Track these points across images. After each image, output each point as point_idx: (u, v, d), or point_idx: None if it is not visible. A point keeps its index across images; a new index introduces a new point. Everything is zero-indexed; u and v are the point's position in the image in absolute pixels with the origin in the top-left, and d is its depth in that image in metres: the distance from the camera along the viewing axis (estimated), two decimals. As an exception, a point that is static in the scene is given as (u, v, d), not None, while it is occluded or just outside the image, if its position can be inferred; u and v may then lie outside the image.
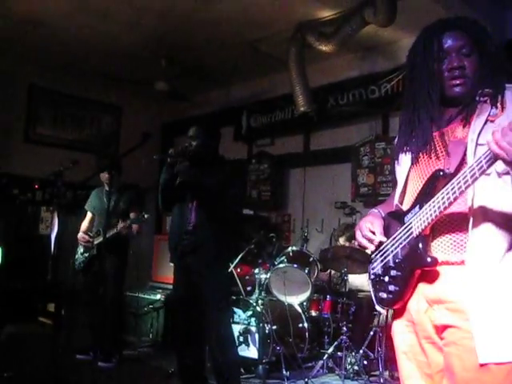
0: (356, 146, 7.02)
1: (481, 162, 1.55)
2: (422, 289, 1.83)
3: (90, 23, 6.48)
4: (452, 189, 1.65)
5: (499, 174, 1.72)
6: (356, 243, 5.54)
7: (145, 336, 6.61)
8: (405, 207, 1.95)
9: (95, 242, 5.53)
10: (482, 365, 1.63)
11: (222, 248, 4.07)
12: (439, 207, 1.70)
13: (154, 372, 5.21)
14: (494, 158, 1.52)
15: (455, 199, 1.65)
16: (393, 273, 1.88)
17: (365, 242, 2.03)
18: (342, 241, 5.88)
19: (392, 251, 1.91)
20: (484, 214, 1.71)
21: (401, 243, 1.87)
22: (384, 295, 1.92)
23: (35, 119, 8.34)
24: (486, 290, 1.67)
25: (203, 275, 3.98)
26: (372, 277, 2.02)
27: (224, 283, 4.28)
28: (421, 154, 1.93)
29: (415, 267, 1.79)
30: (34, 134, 8.31)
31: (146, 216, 5.34)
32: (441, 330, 1.78)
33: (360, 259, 5.27)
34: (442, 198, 1.69)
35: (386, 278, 1.91)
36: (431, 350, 1.84)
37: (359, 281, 5.78)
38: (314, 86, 6.85)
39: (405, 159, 2.03)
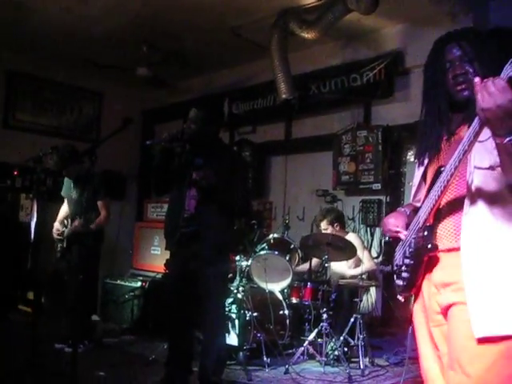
0: (337, 134, 7.03)
1: (470, 133, 1.73)
2: (431, 275, 2.01)
3: (70, 7, 6.38)
4: (446, 175, 1.86)
5: (493, 167, 1.84)
6: (337, 227, 5.59)
7: (125, 323, 6.59)
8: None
9: (65, 235, 5.53)
10: (477, 339, 1.78)
11: (225, 235, 4.03)
12: (436, 193, 1.92)
13: (135, 359, 5.19)
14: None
15: (448, 183, 1.87)
16: (406, 261, 2.07)
17: (390, 234, 2.23)
18: (323, 225, 5.87)
19: (408, 242, 2.10)
20: (478, 200, 1.87)
21: (413, 234, 2.07)
22: (400, 282, 2.12)
23: (14, 105, 8.24)
24: (481, 266, 1.83)
25: (204, 263, 3.90)
26: (395, 268, 2.20)
27: (225, 269, 4.24)
28: (434, 157, 2.11)
29: (422, 254, 1.98)
30: (14, 119, 8.22)
31: (92, 226, 5.38)
32: (445, 310, 1.94)
33: (341, 246, 5.29)
34: (438, 186, 1.91)
35: (403, 267, 2.10)
36: (438, 335, 2.02)
37: (340, 268, 5.81)
38: (296, 74, 6.84)
39: (423, 163, 2.21)
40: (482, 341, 1.77)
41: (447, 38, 2.09)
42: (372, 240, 6.75)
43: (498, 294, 1.79)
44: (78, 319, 5.31)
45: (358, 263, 5.61)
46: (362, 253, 5.56)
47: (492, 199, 1.86)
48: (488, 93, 1.59)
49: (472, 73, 1.96)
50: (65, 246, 5.50)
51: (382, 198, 6.71)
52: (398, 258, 2.16)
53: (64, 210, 5.79)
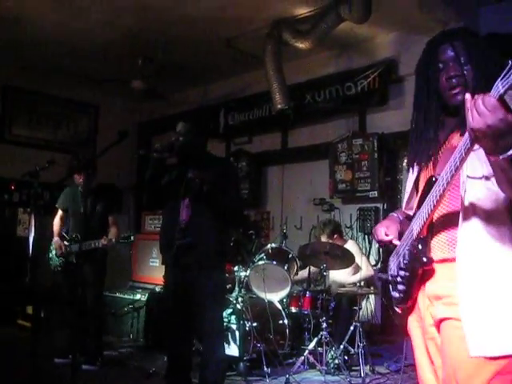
0: (333, 143, 7.05)
1: (465, 144, 1.62)
2: (425, 287, 1.96)
3: (65, 21, 6.42)
4: (438, 188, 1.77)
5: (487, 177, 1.79)
6: (336, 239, 5.52)
7: (125, 336, 6.58)
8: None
9: (73, 250, 5.39)
10: (470, 357, 1.73)
11: (220, 245, 4.01)
12: (429, 207, 1.83)
13: (135, 372, 5.17)
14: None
15: (441, 197, 1.78)
16: (401, 273, 2.01)
17: (381, 244, 2.19)
18: (323, 239, 5.88)
19: (402, 254, 2.03)
20: (473, 212, 1.81)
21: (407, 245, 2.00)
22: (396, 294, 2.06)
23: (10, 120, 8.26)
24: (476, 284, 1.77)
25: (201, 273, 3.88)
26: (389, 278, 2.14)
27: (223, 279, 4.23)
28: (426, 164, 2.04)
29: (417, 267, 1.93)
30: (10, 134, 8.23)
31: (132, 238, 5.39)
32: (438, 323, 1.90)
33: (339, 254, 5.30)
34: (431, 199, 1.82)
35: (398, 279, 2.04)
36: (432, 348, 1.97)
37: (338, 276, 5.81)
38: (291, 84, 6.87)
39: (415, 169, 2.14)
40: (478, 360, 1.73)
41: (441, 38, 2.02)
42: (370, 248, 6.77)
43: (494, 312, 1.74)
44: (96, 336, 5.36)
45: (357, 270, 5.62)
46: (360, 259, 5.57)
47: (486, 210, 1.80)
48: (478, 112, 1.49)
49: (466, 75, 1.89)
50: (74, 261, 5.39)
51: (379, 205, 6.73)
52: (393, 268, 2.11)
53: (58, 222, 5.64)
